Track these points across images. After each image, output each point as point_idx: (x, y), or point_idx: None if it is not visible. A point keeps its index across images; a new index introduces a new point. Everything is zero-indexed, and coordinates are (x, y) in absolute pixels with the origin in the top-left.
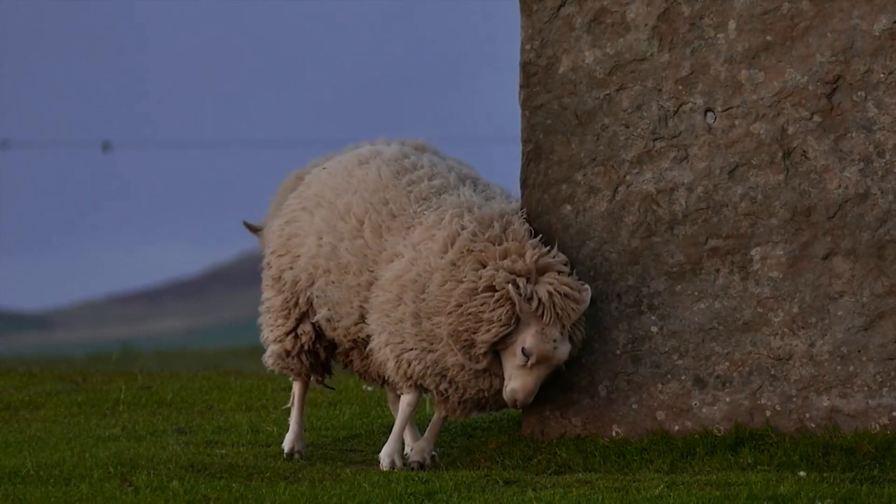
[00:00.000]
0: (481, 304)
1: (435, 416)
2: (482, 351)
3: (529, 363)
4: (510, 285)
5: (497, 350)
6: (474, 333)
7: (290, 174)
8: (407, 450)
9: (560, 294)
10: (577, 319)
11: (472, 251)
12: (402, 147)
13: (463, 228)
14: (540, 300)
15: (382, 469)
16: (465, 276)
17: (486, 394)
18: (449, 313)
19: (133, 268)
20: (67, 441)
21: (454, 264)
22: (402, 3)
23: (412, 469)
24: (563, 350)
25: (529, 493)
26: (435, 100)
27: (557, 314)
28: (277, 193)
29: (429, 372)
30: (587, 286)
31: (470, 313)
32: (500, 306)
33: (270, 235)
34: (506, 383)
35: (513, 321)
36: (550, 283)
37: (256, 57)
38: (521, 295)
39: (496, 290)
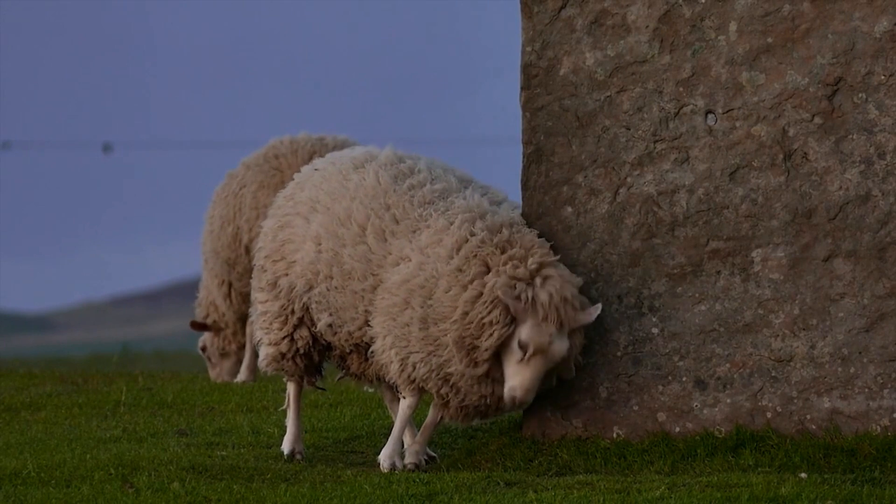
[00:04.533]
0: (483, 309)
1: (428, 420)
2: (485, 357)
3: (527, 356)
4: (498, 288)
5: (498, 354)
6: (477, 339)
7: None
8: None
9: (560, 297)
10: (581, 331)
11: (476, 256)
12: (395, 150)
13: (472, 235)
14: (536, 301)
15: (383, 471)
16: (469, 282)
17: (487, 400)
18: (454, 321)
19: (133, 269)
20: (68, 442)
21: (460, 270)
22: (407, 4)
23: (408, 470)
24: (560, 346)
25: (530, 495)
26: (437, 101)
27: (556, 315)
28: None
29: (433, 376)
30: (598, 305)
31: (473, 320)
32: (495, 307)
33: (263, 238)
34: (506, 384)
35: (510, 321)
36: (552, 287)
37: (258, 57)
38: (515, 297)
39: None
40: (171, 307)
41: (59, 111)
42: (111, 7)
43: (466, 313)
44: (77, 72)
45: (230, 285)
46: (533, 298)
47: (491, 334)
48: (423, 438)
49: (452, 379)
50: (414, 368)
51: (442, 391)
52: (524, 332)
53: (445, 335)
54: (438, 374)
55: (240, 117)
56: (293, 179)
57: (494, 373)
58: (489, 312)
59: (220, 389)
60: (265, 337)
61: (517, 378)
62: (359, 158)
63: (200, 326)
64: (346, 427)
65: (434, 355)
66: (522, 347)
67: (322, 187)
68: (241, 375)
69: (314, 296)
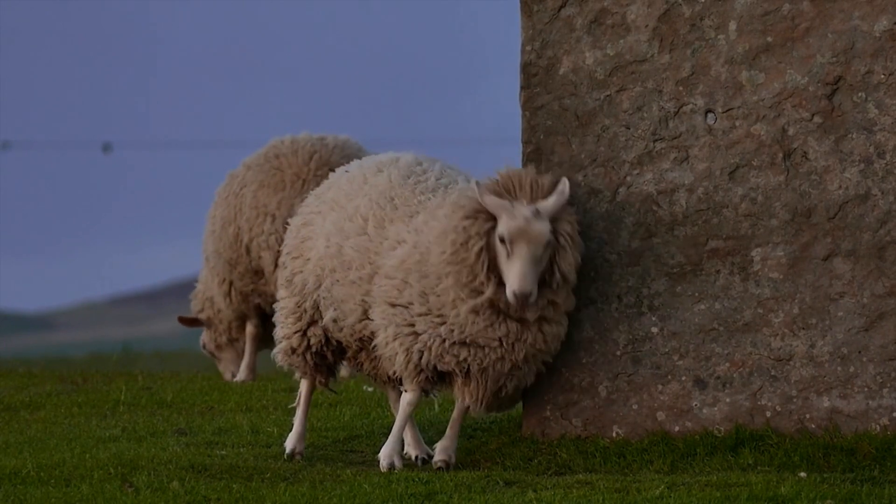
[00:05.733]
0: (461, 232)
1: (455, 413)
2: (481, 276)
3: (508, 244)
4: (474, 184)
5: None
6: (467, 263)
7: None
8: (406, 449)
9: (523, 173)
10: (568, 218)
11: (461, 206)
12: (416, 155)
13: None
14: (500, 181)
15: (382, 469)
16: (452, 232)
17: (504, 344)
18: (447, 274)
19: (133, 268)
20: (68, 442)
21: (445, 230)
22: (407, 4)
23: (438, 469)
24: (540, 226)
25: (530, 494)
26: (437, 101)
27: (518, 183)
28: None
29: (447, 346)
30: (564, 179)
31: (457, 246)
32: (469, 220)
33: (287, 235)
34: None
35: (488, 227)
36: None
37: (258, 57)
38: (485, 189)
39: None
40: (171, 307)
41: (59, 111)
42: (111, 7)
43: (453, 252)
44: (77, 72)
45: (231, 284)
46: (500, 184)
47: (476, 244)
48: (451, 434)
49: (466, 333)
50: (421, 356)
51: (461, 357)
52: (500, 225)
53: (445, 294)
54: (451, 340)
55: (240, 117)
56: (325, 182)
57: (501, 304)
58: (468, 232)
59: (220, 389)
60: (280, 330)
61: (509, 273)
62: (384, 162)
63: (189, 322)
64: (345, 426)
65: (440, 324)
66: (502, 238)
67: (344, 188)
68: (241, 374)
69: (322, 291)
